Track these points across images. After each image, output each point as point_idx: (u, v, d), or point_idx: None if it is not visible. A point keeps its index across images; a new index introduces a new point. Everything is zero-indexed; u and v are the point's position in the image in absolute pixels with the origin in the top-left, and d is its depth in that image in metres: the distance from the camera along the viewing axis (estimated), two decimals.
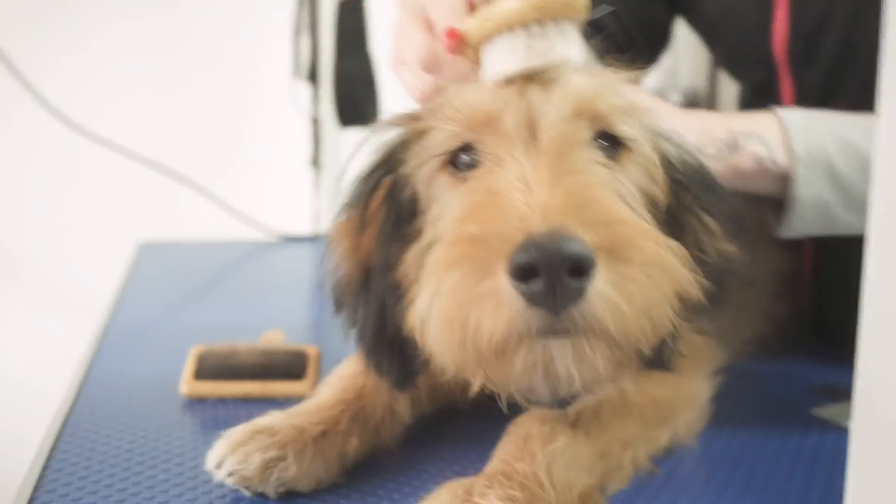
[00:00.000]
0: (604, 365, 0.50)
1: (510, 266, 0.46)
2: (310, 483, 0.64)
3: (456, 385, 0.68)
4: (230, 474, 0.62)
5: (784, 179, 0.73)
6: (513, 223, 0.47)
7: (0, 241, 1.99)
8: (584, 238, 0.46)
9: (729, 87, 1.11)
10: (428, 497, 0.57)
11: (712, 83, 1.18)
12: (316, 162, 1.88)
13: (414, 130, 0.62)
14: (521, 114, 0.56)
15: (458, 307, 0.48)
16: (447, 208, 0.58)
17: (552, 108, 0.56)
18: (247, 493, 0.64)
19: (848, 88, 0.88)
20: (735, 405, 0.79)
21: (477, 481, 0.57)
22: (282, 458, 0.63)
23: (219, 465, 0.62)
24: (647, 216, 0.58)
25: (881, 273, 0.45)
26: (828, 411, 0.84)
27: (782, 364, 0.96)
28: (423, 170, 0.60)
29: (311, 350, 0.88)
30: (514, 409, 0.64)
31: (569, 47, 0.57)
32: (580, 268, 0.45)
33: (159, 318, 1.18)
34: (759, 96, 0.96)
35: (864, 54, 0.88)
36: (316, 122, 1.87)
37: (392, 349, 0.63)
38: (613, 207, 0.50)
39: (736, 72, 1.02)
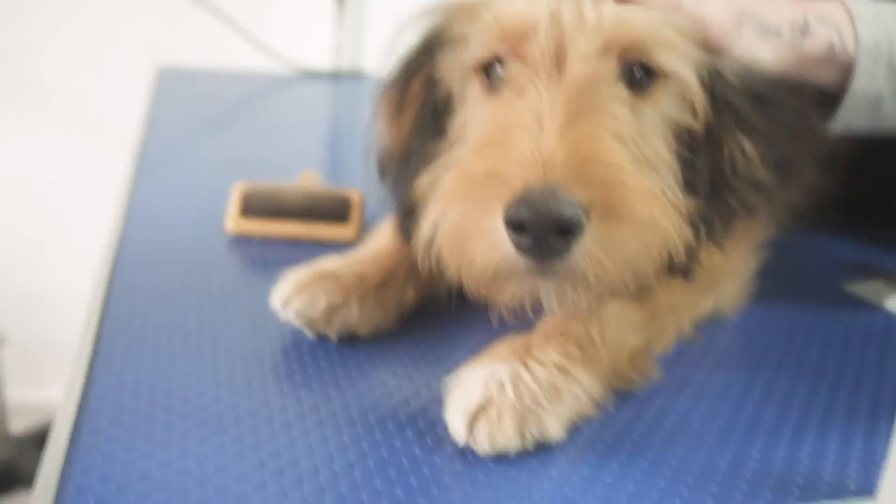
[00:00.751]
0: (585, 302, 0.54)
1: (504, 217, 0.49)
2: (368, 329, 0.66)
3: None
4: (297, 314, 0.64)
5: (846, 69, 0.70)
6: (516, 170, 0.50)
7: (21, 66, 1.93)
8: (578, 198, 0.48)
9: None
10: (487, 351, 0.59)
11: None
12: None
13: (457, 19, 0.62)
14: (550, 40, 0.57)
15: (458, 238, 0.52)
16: (471, 122, 0.60)
17: (582, 39, 0.56)
18: (308, 334, 0.66)
19: None
20: (768, 279, 0.81)
21: (534, 337, 0.59)
22: (346, 304, 0.65)
23: (285, 304, 0.64)
24: (671, 151, 0.60)
25: None
26: (860, 288, 0.86)
27: (813, 239, 0.98)
28: (457, 71, 0.62)
29: (355, 194, 0.88)
30: None
31: None
32: (567, 229, 0.48)
33: (187, 151, 1.17)
34: None
35: None
36: None
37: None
38: (617, 164, 0.52)
39: None
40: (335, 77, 1.77)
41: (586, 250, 0.50)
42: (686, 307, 0.70)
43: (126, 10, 1.89)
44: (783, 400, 0.63)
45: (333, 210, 0.86)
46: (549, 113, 0.53)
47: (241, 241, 0.84)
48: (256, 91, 1.62)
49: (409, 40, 0.66)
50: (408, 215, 0.64)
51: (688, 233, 0.56)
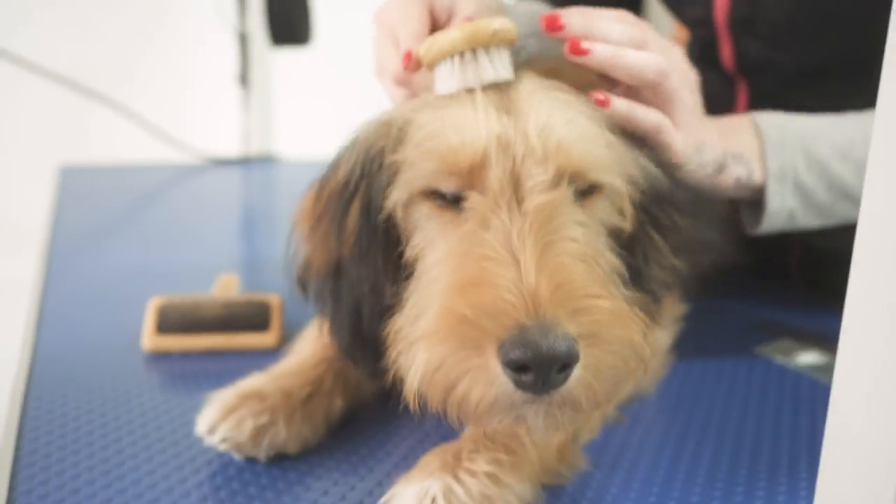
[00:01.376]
0: (569, 420, 0.55)
1: (504, 359, 0.50)
2: (297, 445, 0.66)
3: None
4: (223, 440, 0.63)
5: (757, 191, 0.78)
6: (505, 308, 0.51)
7: None
8: (571, 333, 0.51)
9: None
10: (418, 463, 0.60)
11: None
12: (244, 79, 1.81)
13: (389, 139, 0.63)
14: (506, 171, 0.58)
15: (447, 379, 0.52)
16: (430, 250, 0.60)
17: (536, 170, 0.58)
18: (237, 457, 0.65)
19: (789, 60, 0.91)
20: (683, 349, 0.84)
21: (463, 446, 0.60)
22: (273, 424, 0.64)
23: (211, 431, 0.63)
24: (610, 250, 0.62)
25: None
26: (769, 348, 0.90)
27: (721, 304, 1.01)
28: (400, 197, 0.61)
29: (274, 299, 0.88)
30: None
31: (497, 70, 0.63)
32: (567, 364, 0.51)
33: (97, 254, 1.14)
34: (704, 53, 0.99)
35: (806, 29, 0.89)
36: (243, 38, 1.79)
37: (366, 346, 0.64)
38: (591, 290, 0.54)
39: (683, 22, 1.03)
40: (245, 163, 1.77)
41: (577, 377, 0.52)
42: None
43: (27, 110, 1.85)
44: (708, 473, 0.65)
45: (253, 318, 0.85)
46: (520, 245, 0.54)
47: (160, 358, 0.83)
48: (165, 182, 1.60)
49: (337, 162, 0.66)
50: (358, 343, 0.64)
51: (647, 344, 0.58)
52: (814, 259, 1.01)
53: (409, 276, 0.61)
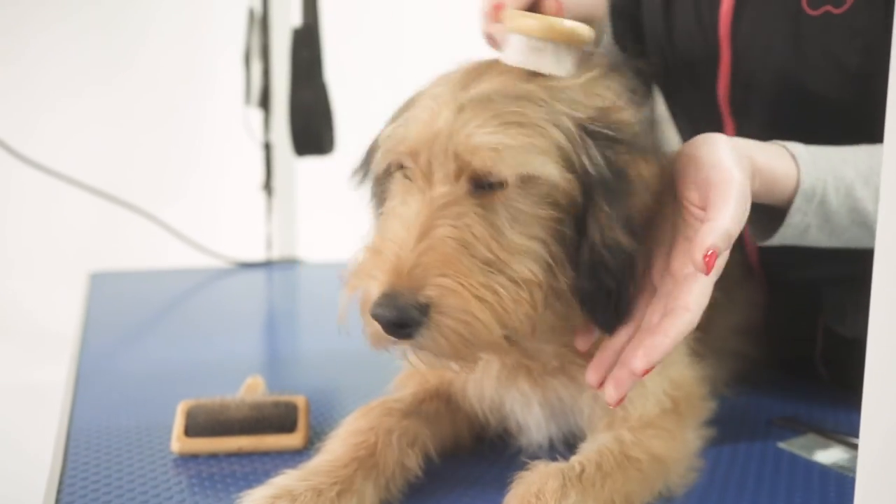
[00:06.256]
0: (441, 362, 0.70)
1: (370, 312, 0.67)
2: None
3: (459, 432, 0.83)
4: None
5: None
6: (379, 274, 0.67)
7: None
8: (413, 300, 0.65)
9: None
10: None
11: None
12: (268, 187, 1.88)
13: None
14: (423, 168, 0.71)
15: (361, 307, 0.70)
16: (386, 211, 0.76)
17: (441, 169, 0.70)
18: None
19: (784, 137, 0.94)
20: (707, 445, 0.84)
21: None
22: None
23: None
24: (537, 238, 0.71)
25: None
26: (792, 444, 0.89)
27: (742, 400, 1.02)
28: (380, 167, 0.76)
29: (300, 400, 0.89)
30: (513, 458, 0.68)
31: (556, 66, 0.73)
32: (404, 324, 0.66)
33: (127, 359, 1.17)
34: None
35: (796, 107, 0.93)
36: (268, 148, 1.86)
37: None
38: (444, 271, 0.66)
39: (690, 123, 1.07)
40: (268, 265, 1.81)
41: (428, 335, 0.66)
42: (640, 493, 0.73)
43: (65, 222, 1.92)
44: None
45: (280, 420, 0.86)
46: (414, 224, 0.68)
47: (189, 460, 0.84)
48: (192, 286, 1.64)
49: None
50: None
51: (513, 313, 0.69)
52: (837, 348, 1.02)
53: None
